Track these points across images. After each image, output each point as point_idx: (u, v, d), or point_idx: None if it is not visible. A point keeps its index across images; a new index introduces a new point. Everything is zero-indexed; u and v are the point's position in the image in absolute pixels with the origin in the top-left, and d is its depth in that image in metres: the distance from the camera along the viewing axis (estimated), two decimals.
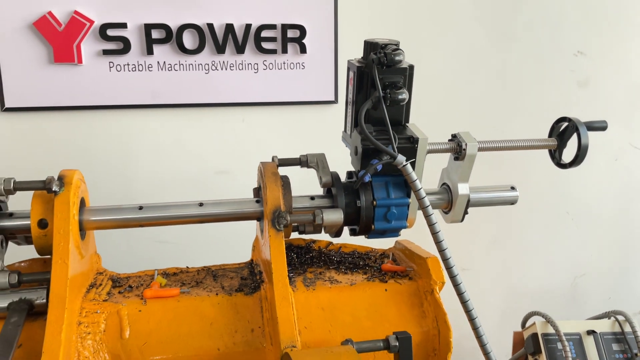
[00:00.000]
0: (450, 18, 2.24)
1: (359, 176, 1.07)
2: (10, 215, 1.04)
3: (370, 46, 1.11)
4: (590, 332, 1.93)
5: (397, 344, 0.91)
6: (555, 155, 1.24)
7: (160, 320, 1.03)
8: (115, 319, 1.01)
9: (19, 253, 1.17)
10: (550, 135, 1.25)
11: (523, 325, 2.04)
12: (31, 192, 1.06)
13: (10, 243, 1.10)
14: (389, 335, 0.93)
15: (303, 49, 2.07)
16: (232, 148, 2.13)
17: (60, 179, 1.02)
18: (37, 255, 1.12)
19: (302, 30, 2.06)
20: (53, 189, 1.00)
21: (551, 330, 1.92)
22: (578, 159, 1.18)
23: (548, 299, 2.60)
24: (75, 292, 1.00)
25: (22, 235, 1.08)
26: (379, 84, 1.05)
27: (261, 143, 2.14)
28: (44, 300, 0.98)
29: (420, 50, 2.24)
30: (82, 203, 1.08)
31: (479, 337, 1.06)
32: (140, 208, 1.10)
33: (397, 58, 1.06)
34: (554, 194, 2.53)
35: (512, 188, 1.27)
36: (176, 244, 2.13)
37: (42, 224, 1.01)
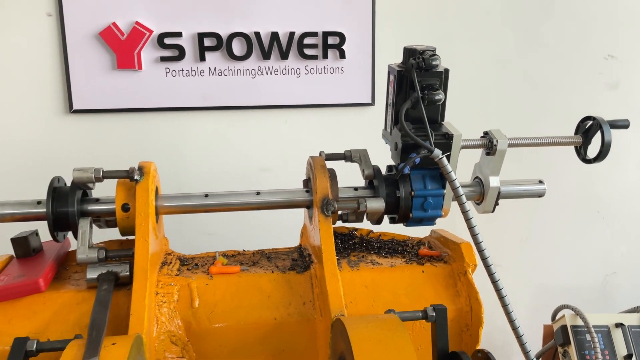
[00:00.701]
0: (481, 24, 2.34)
1: (399, 168, 1.20)
2: (97, 201, 1.21)
3: (410, 52, 1.24)
4: (619, 325, 1.99)
5: (434, 314, 1.04)
6: (581, 152, 1.34)
7: (224, 293, 1.18)
8: (187, 290, 1.17)
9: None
10: (576, 133, 1.35)
11: (553, 318, 2.12)
12: (105, 184, 1.23)
13: None
14: (427, 307, 1.05)
15: (342, 55, 2.21)
16: (275, 147, 2.28)
17: (140, 169, 1.18)
18: (107, 238, 1.29)
19: (342, 37, 2.19)
20: (135, 178, 1.16)
21: (580, 322, 2.00)
22: (602, 155, 1.28)
23: (579, 296, 2.65)
24: (152, 267, 1.15)
25: (103, 219, 1.24)
26: (417, 85, 1.17)
27: (302, 143, 2.28)
28: (127, 273, 1.14)
29: (453, 54, 2.34)
30: (156, 190, 1.23)
31: (507, 313, 1.17)
32: (206, 196, 1.25)
33: (434, 63, 1.18)
34: (585, 194, 2.59)
35: (540, 182, 1.38)
36: (222, 235, 2.30)
37: (125, 207, 1.17)
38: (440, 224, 1.44)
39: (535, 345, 2.17)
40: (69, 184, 1.21)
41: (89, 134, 2.09)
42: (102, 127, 2.10)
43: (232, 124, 2.22)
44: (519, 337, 1.15)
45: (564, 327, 2.02)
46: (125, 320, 1.05)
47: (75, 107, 2.07)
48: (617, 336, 1.98)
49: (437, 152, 1.15)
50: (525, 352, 1.14)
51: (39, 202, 1.18)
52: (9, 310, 1.08)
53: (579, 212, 2.60)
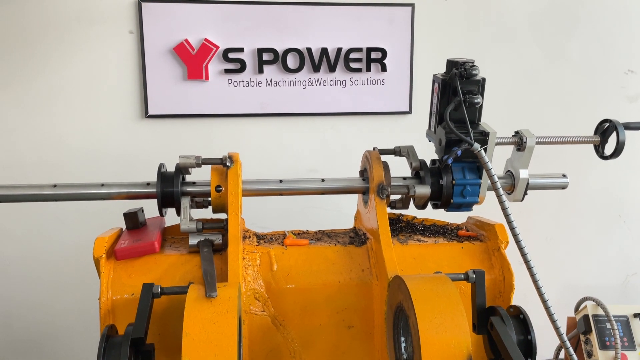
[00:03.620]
0: (510, 41, 2.58)
1: (443, 159, 1.43)
2: (194, 183, 1.46)
3: (453, 63, 1.48)
4: (637, 315, 2.18)
5: (474, 276, 1.26)
6: (599, 150, 1.56)
7: (297, 260, 1.42)
8: (267, 257, 1.42)
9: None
10: (595, 134, 1.57)
11: (576, 309, 2.30)
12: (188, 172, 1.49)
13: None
14: (468, 270, 1.28)
15: (384, 68, 2.47)
16: (322, 150, 2.53)
17: (230, 157, 1.44)
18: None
19: (384, 52, 2.45)
20: (227, 164, 1.42)
21: (601, 312, 2.19)
22: (617, 152, 1.49)
23: (600, 294, 2.79)
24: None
25: (194, 200, 1.50)
26: (460, 91, 1.41)
27: (346, 146, 2.53)
28: (220, 241, 1.39)
29: (484, 69, 2.55)
30: None
31: (538, 288, 1.37)
32: (281, 181, 1.51)
33: (474, 72, 1.42)
34: (607, 198, 2.78)
35: (564, 175, 1.60)
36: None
37: (218, 189, 1.42)
38: (475, 213, 1.67)
39: None
40: (151, 174, 1.46)
41: (161, 136, 2.38)
42: (173, 131, 2.39)
43: (285, 129, 2.49)
44: (544, 301, 1.36)
45: (586, 317, 2.21)
46: (219, 278, 1.31)
47: (150, 113, 2.36)
48: (636, 325, 2.16)
49: (477, 145, 1.39)
50: (550, 315, 1.35)
51: (148, 184, 1.44)
52: (129, 267, 1.34)
53: (601, 216, 2.79)
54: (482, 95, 1.47)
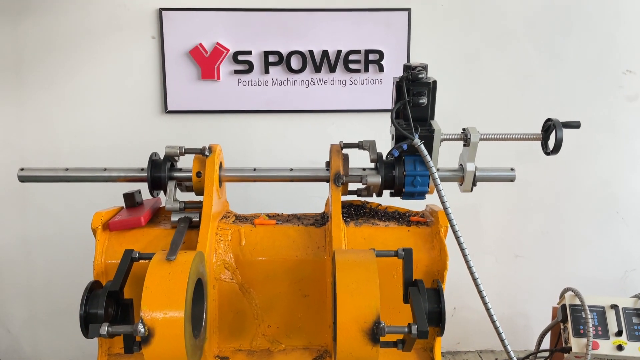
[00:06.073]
0: (506, 42, 2.68)
1: (389, 152, 1.62)
2: (180, 170, 1.73)
3: (405, 67, 1.67)
4: (613, 306, 2.27)
5: (403, 253, 1.45)
6: (543, 146, 1.69)
7: (263, 237, 1.66)
8: (237, 233, 1.66)
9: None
10: (541, 131, 1.70)
11: (560, 299, 2.41)
12: (186, 159, 1.75)
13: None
14: (399, 248, 1.47)
15: (381, 69, 2.65)
16: (323, 144, 2.72)
17: (210, 148, 1.69)
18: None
19: (381, 54, 2.64)
20: (205, 154, 1.67)
21: (578, 302, 2.29)
22: (555, 148, 1.63)
23: (598, 289, 2.87)
24: (214, 218, 1.66)
25: (184, 184, 1.77)
26: (405, 92, 1.60)
27: (346, 141, 2.72)
28: (198, 219, 1.65)
29: (480, 69, 2.70)
30: (220, 164, 1.75)
31: (469, 267, 1.54)
32: (254, 169, 1.75)
33: (419, 76, 1.60)
34: (604, 195, 2.83)
35: (512, 169, 1.74)
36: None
37: (198, 174, 1.68)
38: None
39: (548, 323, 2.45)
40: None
41: (179, 129, 2.68)
42: (189, 124, 2.68)
43: (289, 124, 2.72)
44: (475, 279, 1.53)
45: (564, 306, 2.32)
46: (190, 249, 1.56)
47: (169, 109, 2.66)
48: (611, 316, 2.25)
49: (417, 140, 1.57)
50: (480, 291, 1.51)
51: (142, 169, 1.72)
52: (120, 237, 1.63)
53: (598, 212, 2.84)
54: (432, 97, 1.65)
